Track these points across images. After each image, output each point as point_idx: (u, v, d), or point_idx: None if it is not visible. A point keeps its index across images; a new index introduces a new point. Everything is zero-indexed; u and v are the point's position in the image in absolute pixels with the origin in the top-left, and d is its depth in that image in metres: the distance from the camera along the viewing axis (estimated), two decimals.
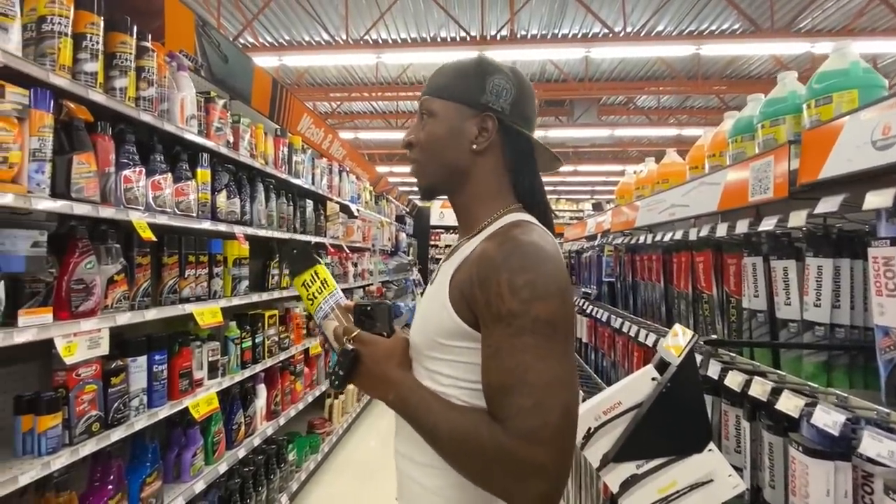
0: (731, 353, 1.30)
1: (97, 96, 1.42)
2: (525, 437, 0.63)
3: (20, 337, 1.20)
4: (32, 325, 1.25)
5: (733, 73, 9.02)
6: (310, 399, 3.28)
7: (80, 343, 1.37)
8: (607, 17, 6.99)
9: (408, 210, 8.72)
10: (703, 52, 6.46)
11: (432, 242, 11.47)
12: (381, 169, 10.33)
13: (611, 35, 6.82)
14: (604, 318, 2.31)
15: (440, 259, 0.91)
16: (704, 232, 1.47)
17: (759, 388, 0.95)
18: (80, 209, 1.36)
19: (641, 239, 2.12)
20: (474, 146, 0.81)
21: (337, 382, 0.77)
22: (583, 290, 3.19)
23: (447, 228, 12.26)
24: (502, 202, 0.83)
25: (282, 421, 2.81)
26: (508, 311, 0.66)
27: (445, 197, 0.89)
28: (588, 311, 2.67)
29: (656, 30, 7.54)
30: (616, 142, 11.62)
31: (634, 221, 2.29)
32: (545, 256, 0.69)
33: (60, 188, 1.32)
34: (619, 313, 2.24)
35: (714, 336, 1.35)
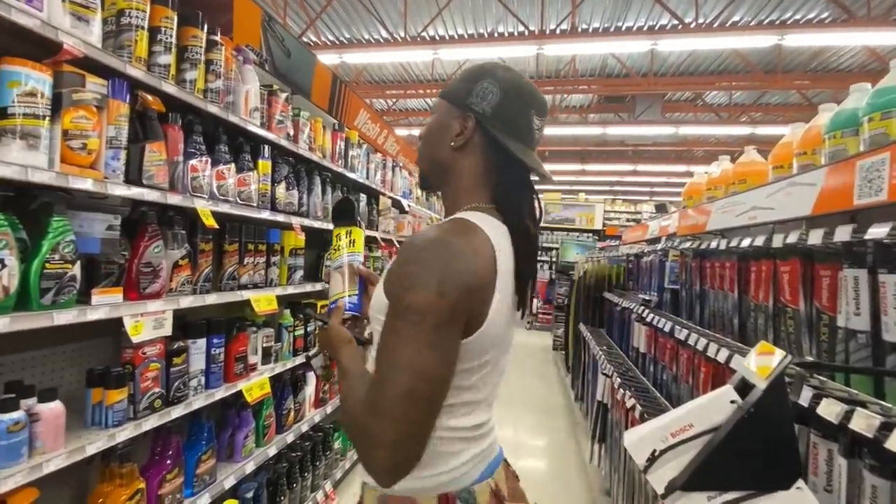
0: (821, 378, 1.15)
1: (169, 88, 1.48)
2: (368, 407, 0.72)
3: (93, 314, 1.27)
4: (105, 304, 1.32)
5: (819, 66, 8.23)
6: None
7: (147, 323, 1.44)
8: (677, 7, 6.58)
9: None
10: (785, 44, 5.92)
11: None
12: None
13: (680, 27, 6.41)
14: (666, 329, 2.15)
15: None
16: (793, 238, 1.31)
17: (864, 423, 0.82)
18: (151, 196, 1.42)
19: (713, 244, 1.95)
20: (452, 143, 0.87)
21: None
22: (641, 296, 3.01)
23: None
24: (474, 200, 0.87)
25: (328, 409, 2.86)
26: (393, 297, 0.74)
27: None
28: (648, 320, 2.50)
29: (731, 20, 7.01)
30: (680, 140, 10.97)
31: (705, 225, 2.11)
32: (438, 250, 0.73)
33: (133, 175, 1.38)
34: (683, 324, 2.07)
35: (809, 358, 1.19)
